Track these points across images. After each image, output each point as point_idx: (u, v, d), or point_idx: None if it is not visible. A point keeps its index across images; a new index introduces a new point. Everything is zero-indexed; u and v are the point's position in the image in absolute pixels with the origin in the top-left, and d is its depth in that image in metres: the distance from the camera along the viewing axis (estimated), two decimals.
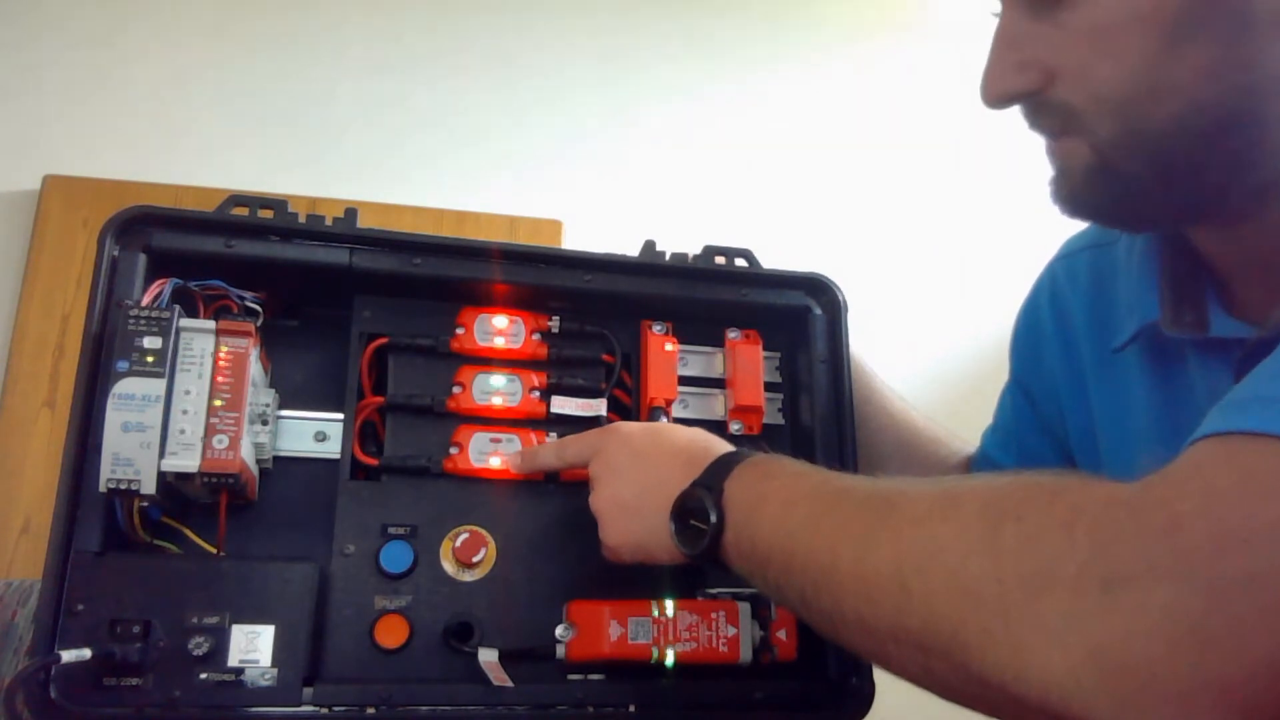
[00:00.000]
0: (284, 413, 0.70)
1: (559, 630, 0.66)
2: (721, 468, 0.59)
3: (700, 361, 0.78)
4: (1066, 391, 0.77)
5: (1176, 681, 0.37)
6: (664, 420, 0.74)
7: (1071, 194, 0.59)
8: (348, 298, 0.72)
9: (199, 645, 0.60)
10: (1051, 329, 0.79)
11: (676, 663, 0.65)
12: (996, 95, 0.58)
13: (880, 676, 0.69)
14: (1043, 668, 0.40)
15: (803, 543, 0.52)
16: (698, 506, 0.58)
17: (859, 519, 0.50)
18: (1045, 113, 0.57)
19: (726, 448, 0.62)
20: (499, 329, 0.73)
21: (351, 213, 0.70)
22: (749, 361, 0.76)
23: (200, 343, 0.62)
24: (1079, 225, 0.78)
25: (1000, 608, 0.41)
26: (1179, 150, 0.54)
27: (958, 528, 0.44)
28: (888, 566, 0.46)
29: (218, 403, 0.61)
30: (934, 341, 2.50)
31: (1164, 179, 0.56)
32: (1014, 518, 0.43)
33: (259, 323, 0.66)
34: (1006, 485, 0.46)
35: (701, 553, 0.57)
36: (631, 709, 0.66)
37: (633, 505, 0.63)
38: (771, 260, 0.78)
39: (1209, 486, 0.40)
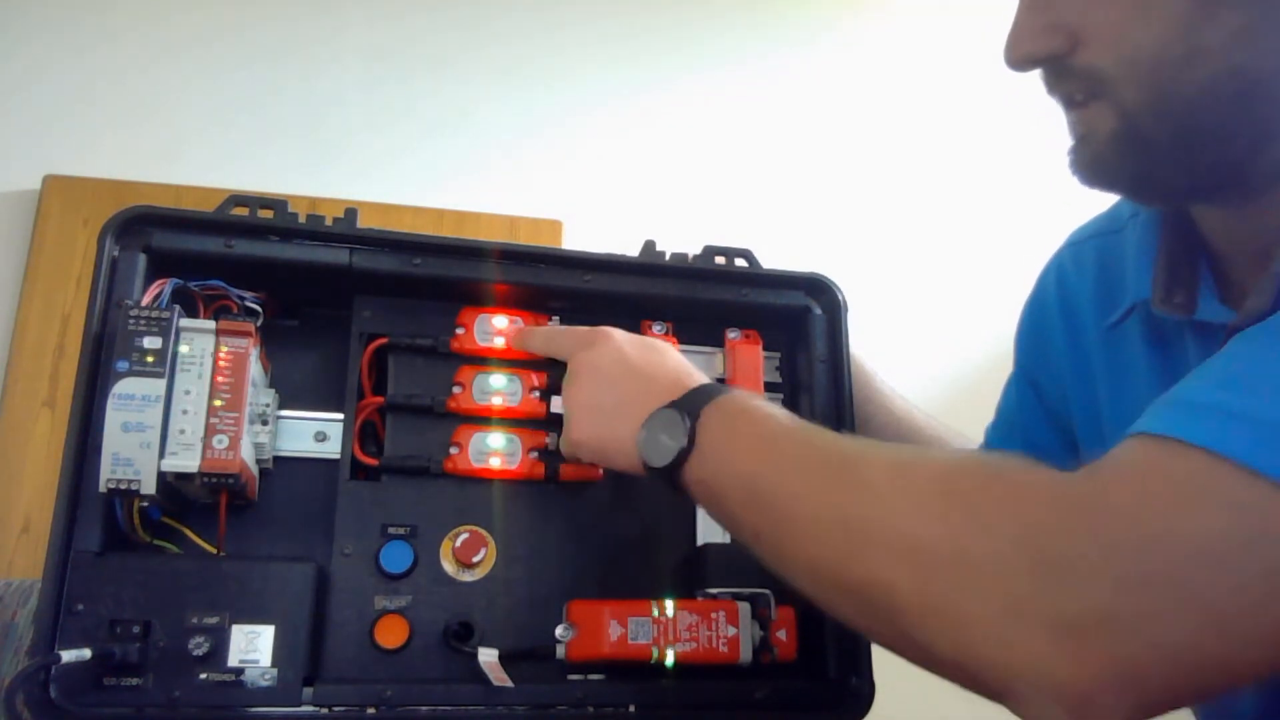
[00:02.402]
0: (284, 413, 0.70)
1: (559, 630, 0.66)
2: (701, 395, 0.60)
3: (700, 361, 0.77)
4: (1072, 378, 0.77)
5: (1075, 671, 0.40)
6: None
7: (1094, 161, 0.58)
8: (348, 298, 0.72)
9: (199, 645, 0.60)
10: (1058, 316, 0.79)
11: (676, 663, 0.65)
12: (1021, 57, 0.58)
13: (880, 677, 0.70)
14: (961, 633, 0.42)
15: (765, 481, 0.54)
16: (671, 426, 0.59)
17: (820, 470, 0.52)
18: (1069, 77, 0.57)
19: (712, 381, 0.64)
20: (499, 329, 0.73)
21: (351, 213, 0.70)
22: (749, 361, 0.76)
23: (200, 343, 0.62)
24: (1087, 213, 0.78)
25: (931, 572, 0.44)
26: (1208, 117, 0.54)
27: (904, 493, 0.47)
28: (837, 520, 0.49)
29: (218, 403, 0.61)
30: (935, 341, 2.50)
31: (1190, 146, 0.55)
32: (959, 492, 0.45)
33: (259, 323, 0.66)
34: (957, 461, 0.49)
35: (662, 469, 0.59)
36: (631, 709, 0.66)
37: (608, 408, 0.64)
38: (771, 260, 0.78)
39: (1140, 490, 0.42)
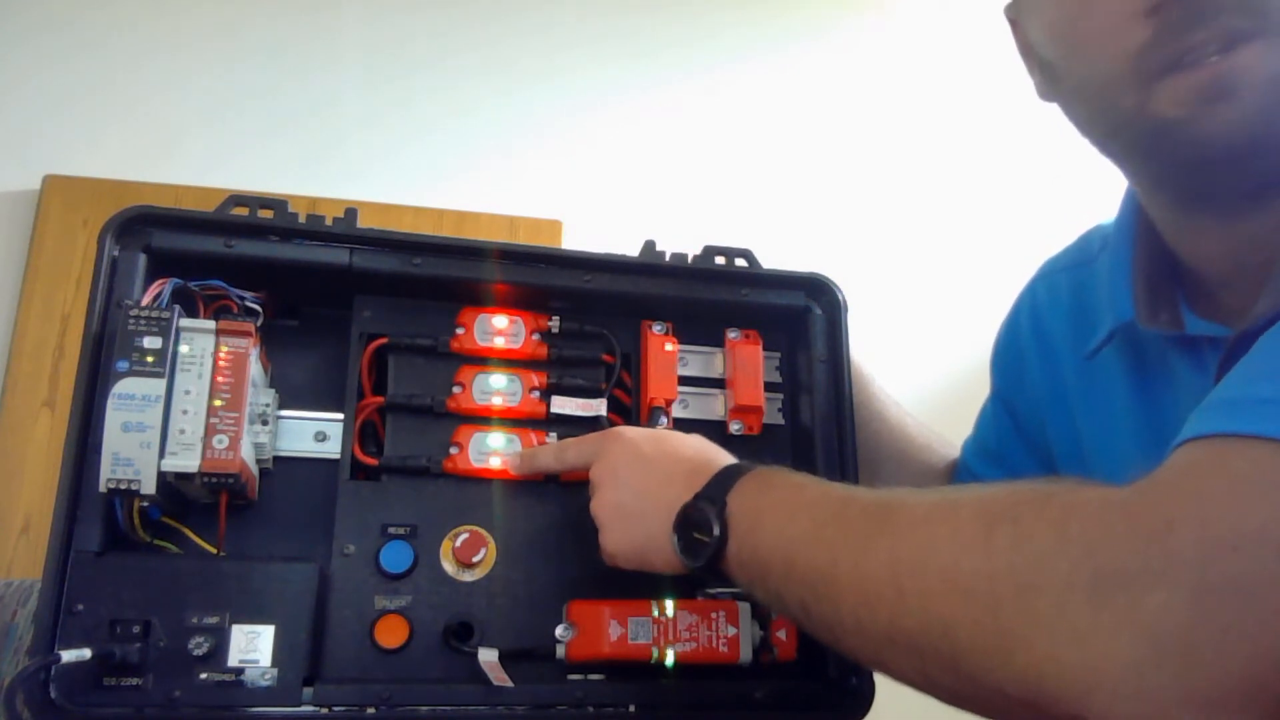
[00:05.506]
0: (284, 413, 0.70)
1: (559, 630, 0.66)
2: (725, 480, 0.59)
3: (700, 361, 0.78)
4: (1049, 406, 0.77)
5: (1161, 689, 0.37)
6: (664, 421, 0.74)
7: (1258, 113, 0.52)
8: (348, 298, 0.72)
9: (199, 645, 0.60)
10: (1032, 347, 0.79)
11: (676, 663, 0.65)
12: None
13: (880, 677, 0.70)
14: (1031, 663, 0.40)
15: (803, 550, 0.52)
16: (701, 519, 0.58)
17: (858, 525, 0.50)
18: (1226, 9, 0.51)
19: (729, 459, 0.62)
20: (499, 329, 0.73)
21: (351, 213, 0.70)
22: (749, 361, 0.76)
23: (200, 343, 0.62)
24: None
25: (991, 603, 0.42)
26: None
27: (953, 529, 0.45)
28: (885, 569, 0.47)
29: (218, 403, 0.61)
30: (935, 341, 2.50)
31: None
32: (1009, 519, 0.43)
33: (259, 323, 0.66)
34: (1003, 490, 0.46)
35: (703, 565, 0.58)
36: (631, 709, 0.66)
37: (634, 512, 0.63)
38: (771, 260, 0.78)
39: (1200, 490, 0.40)
